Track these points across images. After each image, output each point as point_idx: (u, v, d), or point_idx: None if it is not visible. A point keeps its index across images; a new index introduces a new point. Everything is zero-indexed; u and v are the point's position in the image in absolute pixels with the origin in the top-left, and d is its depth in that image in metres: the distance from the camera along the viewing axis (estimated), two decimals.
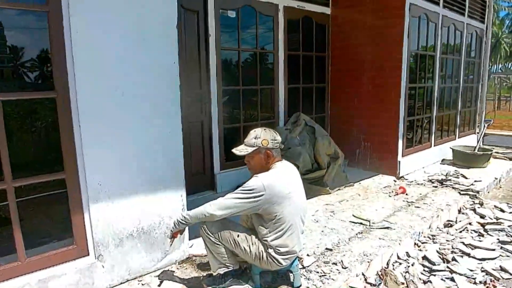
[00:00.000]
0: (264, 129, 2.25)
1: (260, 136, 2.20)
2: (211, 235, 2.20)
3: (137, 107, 2.33)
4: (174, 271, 2.56)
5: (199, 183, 4.06)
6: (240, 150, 2.23)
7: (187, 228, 2.67)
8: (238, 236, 2.19)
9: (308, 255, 2.76)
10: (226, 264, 2.24)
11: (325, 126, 5.53)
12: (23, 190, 2.06)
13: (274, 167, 2.20)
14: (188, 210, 2.39)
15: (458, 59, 6.31)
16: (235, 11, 4.14)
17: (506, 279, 2.73)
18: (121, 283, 2.40)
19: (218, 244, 2.21)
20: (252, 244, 2.17)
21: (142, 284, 2.42)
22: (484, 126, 6.62)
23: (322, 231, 3.23)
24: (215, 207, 2.11)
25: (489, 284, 2.62)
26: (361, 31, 5.04)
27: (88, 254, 2.28)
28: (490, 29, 7.07)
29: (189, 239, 2.79)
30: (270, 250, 2.15)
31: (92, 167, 2.18)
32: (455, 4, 5.83)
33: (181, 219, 2.22)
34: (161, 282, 2.40)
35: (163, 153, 2.49)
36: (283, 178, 2.17)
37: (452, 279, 2.66)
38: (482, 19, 6.86)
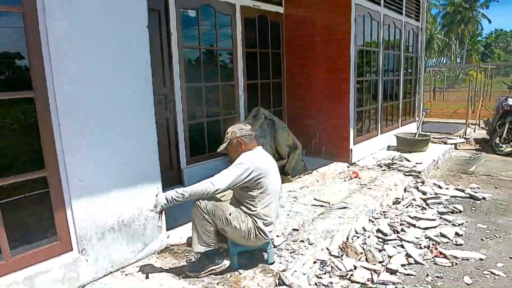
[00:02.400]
0: (234, 125, 2.63)
1: (229, 131, 2.58)
2: (205, 212, 2.38)
3: (114, 104, 2.43)
4: (155, 261, 2.70)
5: (167, 178, 4.15)
6: (220, 148, 2.61)
7: (164, 219, 2.82)
8: (230, 214, 2.41)
9: (277, 236, 3.03)
10: (209, 243, 2.44)
11: (283, 119, 5.84)
12: (5, 190, 2.09)
13: (254, 150, 2.54)
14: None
15: (398, 54, 6.93)
16: (195, 10, 4.28)
17: (445, 242, 3.21)
18: (105, 275, 2.50)
19: (209, 223, 2.40)
20: (242, 221, 2.40)
21: (126, 275, 2.53)
22: (423, 114, 7.32)
23: (288, 215, 3.52)
24: (218, 183, 2.31)
25: (432, 247, 3.07)
26: (312, 29, 5.40)
27: (72, 249, 2.36)
28: (424, 26, 7.82)
29: (166, 230, 2.93)
30: (259, 223, 2.41)
31: (72, 164, 2.26)
32: (394, 4, 6.41)
33: (177, 196, 2.29)
34: (147, 275, 2.50)
35: (140, 147, 2.61)
36: (263, 157, 2.51)
37: (402, 246, 3.08)
38: (417, 18, 7.56)
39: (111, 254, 2.52)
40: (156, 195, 2.49)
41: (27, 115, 2.15)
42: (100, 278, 2.48)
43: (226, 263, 2.50)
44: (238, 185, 2.36)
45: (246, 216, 2.43)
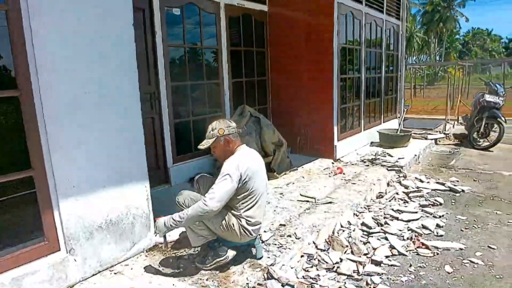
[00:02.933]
0: (219, 121, 2.56)
1: (216, 127, 2.49)
2: (185, 207, 2.43)
3: (100, 103, 2.43)
4: (144, 259, 2.71)
5: (154, 177, 4.14)
6: (203, 144, 2.52)
7: (152, 218, 2.83)
8: None
9: (265, 231, 3.07)
10: (205, 235, 2.47)
11: (268, 116, 5.89)
12: None
13: (239, 149, 2.50)
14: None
15: (379, 52, 7.08)
16: (180, 8, 4.28)
17: (427, 234, 3.32)
18: (94, 275, 2.49)
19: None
20: (223, 218, 2.43)
21: (115, 273, 2.53)
22: (404, 110, 7.51)
23: (275, 211, 3.57)
24: (212, 203, 2.26)
25: (414, 239, 3.18)
26: (296, 27, 5.46)
27: (60, 249, 2.34)
28: (404, 25, 8.00)
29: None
30: (243, 222, 2.42)
31: (59, 163, 2.24)
32: (375, 2, 6.54)
33: (174, 223, 2.31)
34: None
35: (126, 146, 2.61)
36: (249, 157, 2.48)
37: (386, 238, 3.17)
38: (397, 16, 7.73)
39: (100, 253, 2.52)
40: (155, 221, 2.42)
41: (7, 117, 2.13)
42: (89, 277, 2.47)
43: (230, 254, 2.51)
44: (230, 196, 2.35)
45: (228, 214, 2.45)
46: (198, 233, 2.47)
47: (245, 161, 2.40)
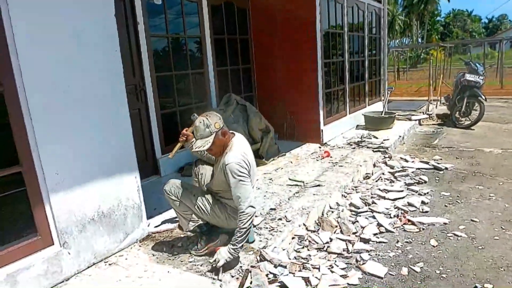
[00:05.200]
0: (206, 115, 2.36)
1: (211, 123, 2.32)
2: (173, 195, 2.51)
3: (85, 97, 2.41)
4: (137, 249, 2.74)
5: (144, 169, 4.13)
6: (202, 146, 2.31)
7: (143, 208, 2.86)
8: (194, 195, 2.50)
9: (256, 216, 3.13)
10: (193, 219, 2.52)
11: (254, 104, 5.91)
12: None
13: (233, 139, 2.47)
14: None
15: (362, 35, 7.13)
16: None
17: (412, 211, 3.44)
18: (89, 267, 2.52)
19: (180, 202, 2.49)
20: (208, 203, 2.49)
21: (109, 264, 2.56)
22: (388, 93, 7.62)
23: (265, 196, 3.63)
24: (250, 209, 2.27)
25: (401, 216, 3.29)
26: (279, 13, 5.44)
27: (53, 243, 2.35)
28: (386, 7, 8.05)
29: (147, 219, 2.97)
30: (229, 210, 2.47)
31: (47, 158, 2.23)
32: None
33: (233, 253, 2.28)
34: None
35: (114, 139, 2.61)
36: (246, 146, 2.51)
37: (374, 217, 3.27)
38: None
39: (93, 245, 2.54)
40: (218, 253, 2.32)
41: None
42: (84, 270, 2.49)
43: (222, 239, 2.54)
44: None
45: (215, 200, 2.51)
46: (186, 217, 2.53)
47: (246, 152, 2.41)
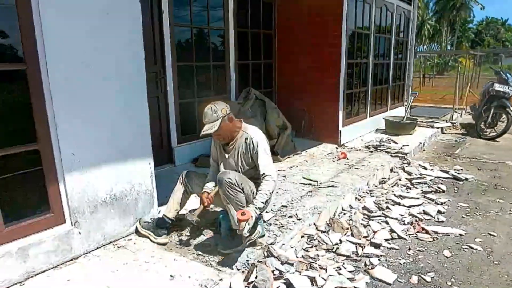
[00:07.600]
0: (214, 103, 2.50)
1: (218, 109, 2.46)
2: (237, 185, 2.40)
3: (105, 78, 2.43)
4: None
5: (158, 157, 4.17)
6: (209, 129, 2.43)
7: (155, 195, 2.88)
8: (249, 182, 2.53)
9: (267, 211, 3.10)
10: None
11: (273, 99, 5.86)
12: None
13: (247, 125, 2.60)
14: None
15: (389, 37, 6.97)
16: None
17: (428, 219, 3.34)
18: (98, 248, 2.55)
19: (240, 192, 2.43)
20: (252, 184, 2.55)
21: (118, 247, 2.59)
22: (411, 98, 7.43)
23: (277, 192, 3.59)
24: (273, 175, 2.42)
25: (415, 223, 3.20)
26: (305, 10, 5.38)
27: (65, 222, 2.39)
28: (416, 10, 7.84)
29: (158, 206, 2.99)
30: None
31: (65, 138, 2.27)
32: None
33: (256, 211, 2.33)
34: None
35: (131, 123, 2.63)
36: (262, 133, 2.63)
37: (386, 222, 3.19)
38: (409, 1, 7.56)
39: (104, 227, 2.57)
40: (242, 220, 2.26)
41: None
42: (93, 250, 2.53)
43: (259, 229, 2.54)
44: None
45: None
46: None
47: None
